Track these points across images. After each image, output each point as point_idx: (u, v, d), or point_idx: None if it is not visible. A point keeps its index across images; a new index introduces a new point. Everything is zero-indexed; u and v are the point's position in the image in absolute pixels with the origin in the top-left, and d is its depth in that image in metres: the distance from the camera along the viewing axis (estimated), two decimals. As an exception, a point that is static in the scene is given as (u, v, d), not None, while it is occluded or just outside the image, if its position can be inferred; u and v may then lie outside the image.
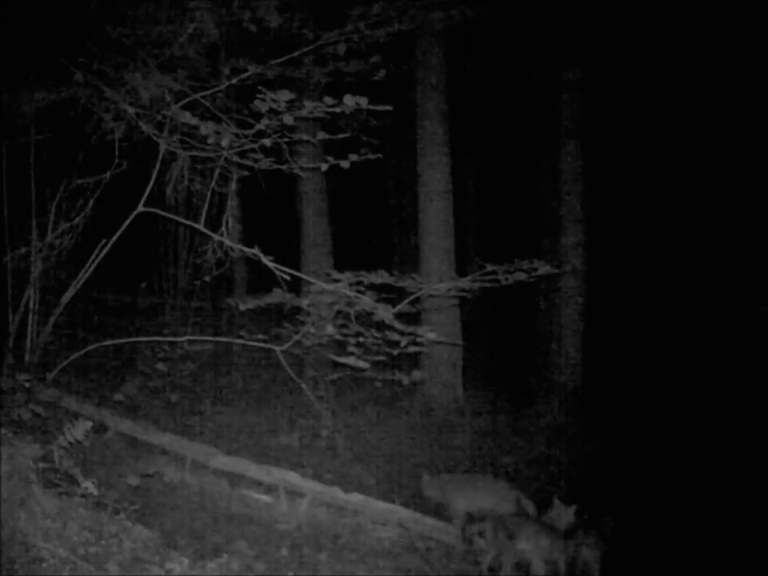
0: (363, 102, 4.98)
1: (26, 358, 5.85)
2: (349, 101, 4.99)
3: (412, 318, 6.43)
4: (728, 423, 8.10)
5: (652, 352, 10.44)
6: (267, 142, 5.52)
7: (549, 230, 10.33)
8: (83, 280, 5.96)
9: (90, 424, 4.28)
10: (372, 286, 5.52)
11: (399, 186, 13.77)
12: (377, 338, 5.52)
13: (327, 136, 5.51)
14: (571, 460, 7.48)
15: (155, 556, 3.52)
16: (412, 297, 5.75)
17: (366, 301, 5.36)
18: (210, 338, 7.27)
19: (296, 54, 5.97)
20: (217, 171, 6.04)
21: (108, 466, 4.86)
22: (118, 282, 8.77)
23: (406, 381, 6.16)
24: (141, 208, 5.80)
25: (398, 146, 12.23)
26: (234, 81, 5.85)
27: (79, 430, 4.16)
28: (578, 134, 9.58)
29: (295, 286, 5.90)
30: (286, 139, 5.61)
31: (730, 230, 11.14)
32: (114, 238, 5.86)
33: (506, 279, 5.57)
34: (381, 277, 5.52)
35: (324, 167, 5.58)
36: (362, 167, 5.54)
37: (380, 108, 5.04)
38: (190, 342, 7.14)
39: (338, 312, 5.63)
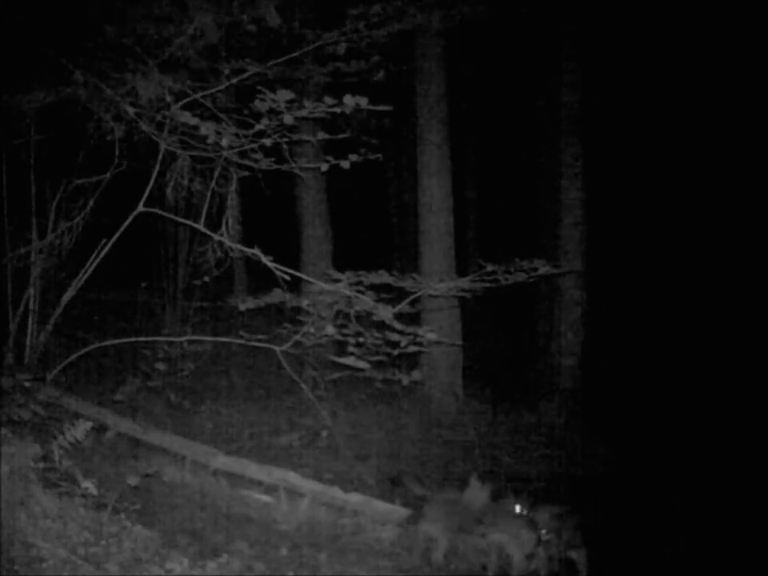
0: (363, 102, 4.98)
1: (26, 358, 5.85)
2: (349, 101, 4.99)
3: (412, 318, 6.43)
4: (728, 423, 8.10)
5: (652, 352, 10.44)
6: (267, 142, 5.52)
7: (549, 230, 10.33)
8: (83, 280, 5.96)
9: (89, 424, 4.29)
10: (372, 286, 5.52)
11: (399, 186, 13.77)
12: (377, 338, 5.51)
13: (327, 136, 5.51)
14: (571, 460, 7.48)
15: (155, 556, 3.52)
16: (412, 297, 5.75)
17: (366, 301, 5.36)
18: (210, 338, 7.27)
19: (296, 53, 5.98)
20: (217, 171, 6.03)
21: (108, 466, 4.86)
22: (118, 281, 8.76)
23: (405, 381, 6.16)
24: (141, 208, 5.80)
25: (398, 145, 12.23)
26: (234, 81, 5.85)
27: (79, 430, 4.17)
28: (578, 134, 9.59)
29: (295, 286, 5.90)
30: (286, 139, 5.61)
31: (730, 229, 11.14)
32: (114, 238, 5.86)
33: (506, 279, 5.57)
34: (381, 277, 5.53)
35: (324, 167, 5.58)
36: (362, 167, 5.54)
37: (380, 108, 5.04)
38: (190, 341, 7.15)
39: (338, 312, 5.63)
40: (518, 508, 4.65)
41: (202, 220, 6.01)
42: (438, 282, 6.61)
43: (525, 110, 11.58)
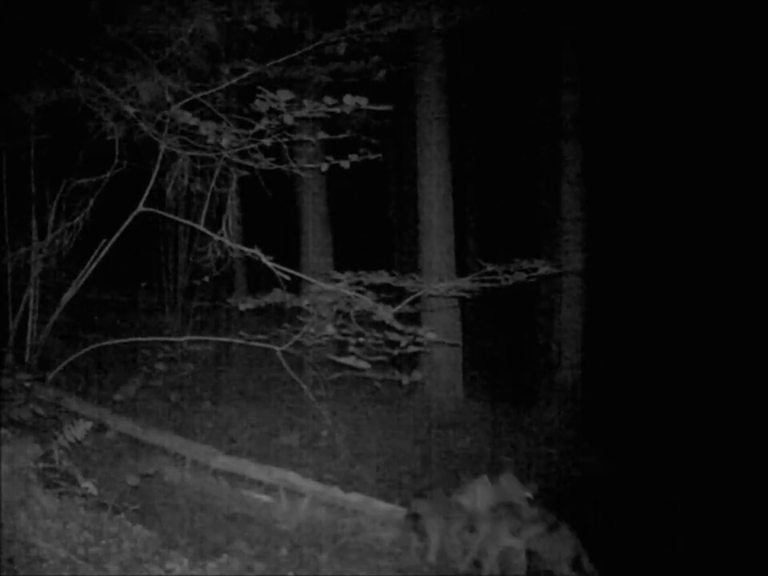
0: (363, 102, 4.97)
1: (26, 357, 5.84)
2: (349, 101, 4.99)
3: (412, 318, 6.44)
4: (728, 423, 8.11)
5: (652, 352, 10.44)
6: (267, 142, 5.52)
7: (549, 230, 10.33)
8: (83, 280, 5.96)
9: (89, 424, 4.28)
10: (372, 286, 5.52)
11: (399, 185, 13.77)
12: (377, 338, 5.51)
13: (327, 136, 5.51)
14: (571, 459, 7.48)
15: (155, 556, 3.52)
16: (412, 297, 5.75)
17: (366, 301, 5.36)
18: (210, 338, 7.27)
19: (296, 53, 5.97)
20: (217, 171, 6.03)
21: (108, 466, 4.86)
22: (118, 281, 8.77)
23: (405, 381, 6.16)
24: (141, 208, 5.80)
25: (398, 145, 12.23)
26: (233, 81, 5.85)
27: (79, 430, 4.16)
28: (578, 134, 9.59)
29: (295, 286, 5.90)
30: (286, 139, 5.61)
31: (730, 229, 11.14)
32: (114, 238, 5.86)
33: (506, 279, 5.57)
34: (381, 277, 5.52)
35: (324, 167, 5.58)
36: (362, 167, 5.54)
37: (380, 108, 5.04)
38: (190, 341, 7.14)
39: (338, 312, 5.63)
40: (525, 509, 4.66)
41: (202, 220, 6.01)
42: (438, 282, 6.61)
43: (525, 110, 11.58)
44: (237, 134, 5.52)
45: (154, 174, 5.86)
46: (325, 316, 5.74)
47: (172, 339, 7.10)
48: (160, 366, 6.89)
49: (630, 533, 5.38)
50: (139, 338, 7.03)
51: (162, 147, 5.80)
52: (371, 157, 5.51)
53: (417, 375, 6.32)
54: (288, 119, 5.16)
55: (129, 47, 5.72)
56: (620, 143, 11.38)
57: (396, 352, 5.59)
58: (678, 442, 7.76)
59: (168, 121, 5.70)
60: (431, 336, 5.55)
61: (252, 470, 5.24)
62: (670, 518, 5.81)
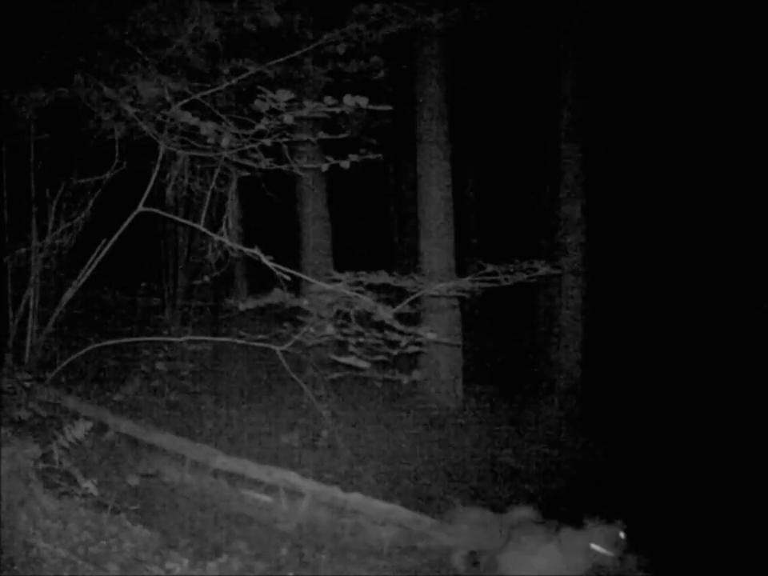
0: (363, 102, 4.97)
1: (26, 357, 5.84)
2: (349, 101, 4.98)
3: (412, 318, 6.44)
4: (728, 422, 8.11)
5: (652, 352, 10.44)
6: (267, 141, 5.51)
7: (549, 230, 10.33)
8: (83, 280, 5.96)
9: (89, 424, 4.28)
10: (372, 286, 5.52)
11: (399, 185, 13.77)
12: (377, 338, 5.51)
13: (327, 136, 5.51)
14: (572, 460, 7.48)
15: (155, 556, 3.52)
16: (412, 297, 5.75)
17: (366, 301, 5.36)
18: (210, 338, 7.26)
19: (296, 54, 5.97)
20: (217, 171, 6.03)
21: (108, 466, 4.86)
22: (118, 281, 8.77)
23: (405, 381, 6.16)
24: (141, 208, 5.79)
25: (398, 145, 12.23)
26: (234, 81, 5.84)
27: (79, 430, 4.16)
28: (578, 135, 9.59)
29: (295, 286, 5.89)
30: (286, 139, 5.60)
31: (730, 229, 11.15)
32: (114, 238, 5.86)
33: (506, 279, 5.57)
34: (381, 277, 5.52)
35: (324, 167, 5.58)
36: (362, 167, 5.54)
37: (380, 108, 5.03)
38: (190, 341, 7.14)
39: (338, 312, 5.63)
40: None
41: (202, 220, 6.00)
42: (438, 282, 6.61)
43: (525, 110, 11.58)
44: (237, 134, 5.51)
45: (154, 174, 5.85)
46: (325, 316, 5.74)
47: (172, 339, 7.09)
48: (160, 366, 6.88)
49: (629, 532, 5.38)
50: (139, 338, 7.03)
51: (162, 147, 5.79)
52: (371, 157, 5.51)
53: (417, 375, 6.33)
54: (288, 119, 5.15)
55: (129, 47, 5.71)
56: (621, 143, 11.39)
57: (396, 352, 5.59)
58: (679, 441, 7.76)
59: (168, 121, 5.69)
60: (431, 336, 5.55)
61: (252, 470, 5.23)
62: (669, 517, 5.81)
